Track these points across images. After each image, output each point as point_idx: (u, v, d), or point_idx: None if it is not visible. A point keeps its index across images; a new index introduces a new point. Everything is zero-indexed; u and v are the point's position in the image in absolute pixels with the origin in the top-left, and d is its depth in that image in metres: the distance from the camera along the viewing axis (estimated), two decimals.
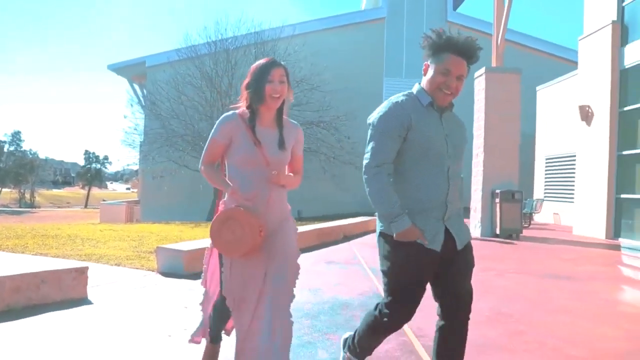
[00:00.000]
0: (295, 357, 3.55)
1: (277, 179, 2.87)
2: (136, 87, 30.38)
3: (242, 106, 2.98)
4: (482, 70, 13.22)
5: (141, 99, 28.75)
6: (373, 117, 2.73)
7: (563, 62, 26.70)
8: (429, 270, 2.68)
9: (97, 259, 7.56)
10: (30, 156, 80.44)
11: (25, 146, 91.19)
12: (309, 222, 15.40)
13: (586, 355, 3.82)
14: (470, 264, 2.79)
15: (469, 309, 2.74)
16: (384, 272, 2.74)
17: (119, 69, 30.45)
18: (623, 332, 4.52)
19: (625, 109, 12.47)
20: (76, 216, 42.07)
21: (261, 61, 2.96)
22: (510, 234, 12.50)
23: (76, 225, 16.06)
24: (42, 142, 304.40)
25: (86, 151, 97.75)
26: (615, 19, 12.81)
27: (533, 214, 18.24)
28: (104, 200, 70.09)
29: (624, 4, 12.77)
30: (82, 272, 5.23)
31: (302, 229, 11.68)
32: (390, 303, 2.73)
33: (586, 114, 13.75)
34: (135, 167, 36.67)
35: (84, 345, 3.80)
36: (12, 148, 78.60)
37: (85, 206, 73.65)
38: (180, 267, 6.65)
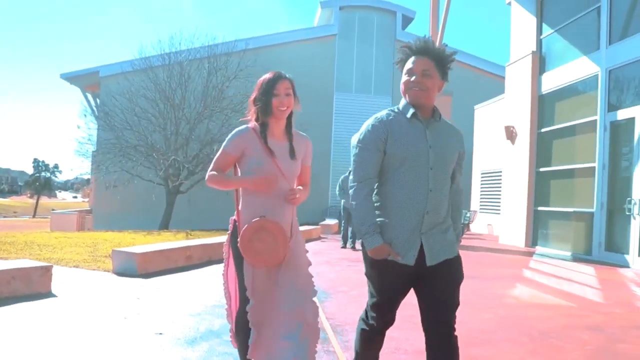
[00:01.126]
0: (190, 351, 4.47)
1: (296, 200, 3.04)
2: (89, 96, 30.60)
3: (251, 120, 3.09)
4: None
5: (94, 108, 29.05)
6: (356, 136, 2.81)
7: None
8: (404, 282, 2.73)
9: (56, 262, 8.29)
10: None
11: None
12: None
13: (460, 332, 4.87)
14: (451, 282, 2.73)
15: (451, 331, 2.71)
16: (366, 276, 2.82)
17: (72, 78, 30.63)
18: (496, 316, 5.60)
19: (542, 130, 13.83)
20: (25, 226, 41.52)
21: (267, 75, 3.05)
22: None
23: (30, 233, 16.57)
24: None
25: (35, 159, 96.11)
26: (534, 49, 14.21)
27: (468, 225, 19.62)
28: (53, 210, 68.91)
29: (541, 37, 14.17)
30: (47, 270, 6.08)
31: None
32: (372, 305, 2.82)
33: (511, 134, 15.11)
34: (87, 177, 36.85)
35: (51, 331, 4.66)
36: None
37: (34, 215, 72.13)
38: (133, 268, 7.50)
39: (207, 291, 6.51)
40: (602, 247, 11.22)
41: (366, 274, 2.80)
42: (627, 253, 10.26)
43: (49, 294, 5.94)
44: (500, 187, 17.84)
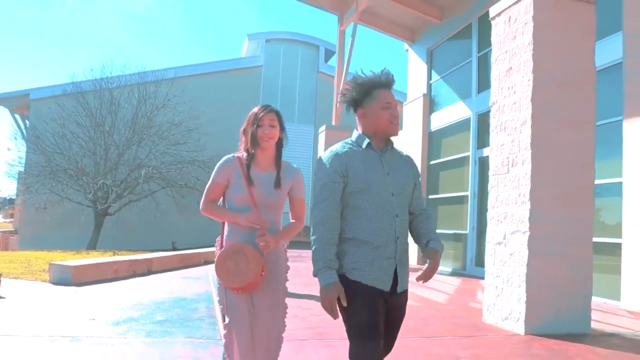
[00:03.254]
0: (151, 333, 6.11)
1: (267, 247, 3.02)
2: (18, 118, 31.12)
3: (242, 150, 3.24)
4: (324, 127, 16.44)
5: (23, 130, 29.68)
6: (316, 172, 2.79)
7: None
8: (380, 309, 2.65)
9: None
10: None
11: None
12: (181, 250, 17.80)
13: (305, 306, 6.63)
14: (402, 315, 2.84)
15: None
16: (346, 312, 2.68)
17: (1, 99, 31.13)
18: None
19: (431, 162, 16.03)
20: None
21: (255, 109, 3.22)
22: None
23: None
24: None
25: None
26: (425, 92, 16.47)
27: None
28: None
29: (431, 82, 16.48)
30: None
31: (168, 253, 14.15)
32: (358, 343, 2.64)
33: None
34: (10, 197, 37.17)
35: (6, 321, 6.16)
36: None
37: None
38: (68, 279, 8.96)
39: (130, 296, 8.06)
40: (473, 262, 13.36)
41: (345, 309, 2.65)
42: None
43: None
44: None
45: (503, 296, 6.52)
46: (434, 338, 5.94)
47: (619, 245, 8.57)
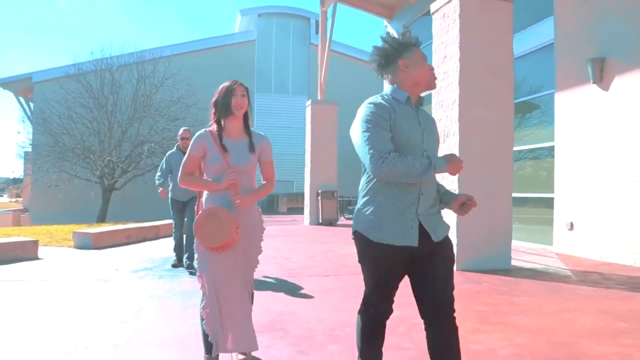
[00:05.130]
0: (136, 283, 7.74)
1: (242, 204, 3.35)
2: (22, 100, 32.53)
3: (212, 122, 3.50)
4: (309, 102, 17.95)
5: (28, 113, 31.16)
6: (357, 122, 2.66)
7: None
8: (400, 268, 2.65)
9: None
10: None
11: None
12: None
13: (297, 260, 8.24)
14: (448, 263, 2.71)
15: (450, 314, 2.63)
16: (361, 266, 2.76)
17: (5, 83, 32.53)
18: (329, 263, 9.01)
19: None
20: None
21: (226, 83, 3.52)
22: (330, 222, 17.22)
23: None
24: None
25: None
26: None
27: None
28: None
29: None
30: (35, 243, 9.27)
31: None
32: (367, 295, 2.77)
33: None
34: (18, 177, 38.85)
35: (43, 275, 7.80)
36: None
37: None
38: (90, 244, 10.57)
39: (143, 254, 9.70)
40: None
41: (360, 262, 2.74)
42: None
43: (37, 258, 9.05)
44: None
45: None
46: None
47: (551, 200, 10.17)
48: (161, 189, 7.81)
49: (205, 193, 3.50)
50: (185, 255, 7.83)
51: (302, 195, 23.99)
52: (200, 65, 30.99)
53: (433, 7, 8.62)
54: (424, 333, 2.67)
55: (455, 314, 2.62)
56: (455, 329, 2.61)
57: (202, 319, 3.40)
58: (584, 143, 9.36)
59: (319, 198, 17.29)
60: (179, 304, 5.53)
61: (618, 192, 8.65)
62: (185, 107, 25.69)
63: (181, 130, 7.95)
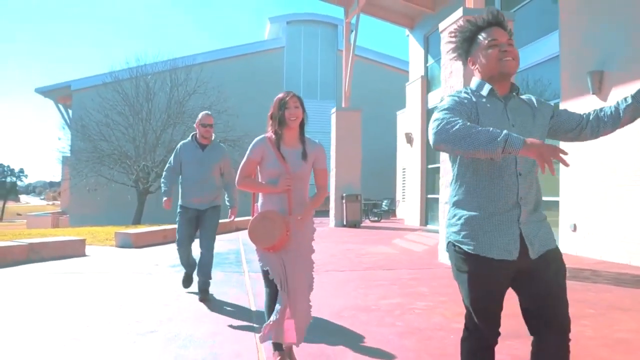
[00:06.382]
0: None
1: (304, 218, 3.58)
2: (62, 108, 34.04)
3: (270, 132, 3.65)
4: (334, 109, 18.83)
5: (67, 119, 32.67)
6: (432, 117, 2.28)
7: None
8: (501, 285, 2.33)
9: None
10: None
11: None
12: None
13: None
14: (559, 277, 2.32)
15: (565, 339, 2.30)
16: (457, 284, 2.44)
17: (46, 91, 34.06)
18: (347, 260, 9.83)
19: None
20: (3, 228, 44.05)
21: (280, 95, 3.64)
22: (354, 224, 18.05)
23: (28, 230, 20.40)
24: None
25: (0, 164, 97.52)
26: (423, 74, 18.67)
27: (390, 211, 24.03)
28: (19, 214, 70.74)
29: (427, 65, 18.66)
30: (83, 242, 10.30)
31: None
32: (467, 317, 2.46)
33: (409, 139, 19.57)
34: (57, 180, 40.51)
35: (92, 269, 8.80)
36: None
37: (1, 220, 73.18)
38: (130, 243, 11.58)
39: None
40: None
41: (455, 278, 2.43)
42: None
43: (84, 255, 10.08)
44: None
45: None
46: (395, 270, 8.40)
47: (557, 203, 10.85)
48: (166, 198, 6.06)
49: (260, 197, 3.67)
50: (200, 280, 5.97)
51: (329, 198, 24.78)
52: (231, 72, 32.16)
53: (441, 26, 9.40)
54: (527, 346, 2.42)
55: (570, 336, 2.31)
56: (568, 355, 2.29)
57: (269, 310, 3.64)
58: (587, 149, 10.02)
59: (344, 201, 18.15)
60: (217, 288, 6.40)
61: (616, 194, 9.31)
62: (217, 113, 26.63)
63: (202, 115, 6.07)
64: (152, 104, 27.30)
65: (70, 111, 32.86)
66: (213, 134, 6.13)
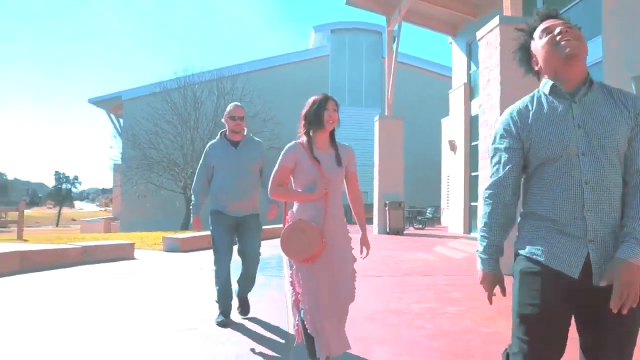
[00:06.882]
0: None
1: (368, 252, 3.71)
2: (113, 117, 35.22)
3: (301, 134, 3.55)
4: (377, 117, 18.98)
5: (119, 128, 33.79)
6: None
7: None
8: (557, 300, 1.96)
9: None
10: (3, 177, 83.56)
11: None
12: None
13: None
14: (627, 319, 1.89)
15: None
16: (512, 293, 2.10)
17: (98, 102, 35.32)
18: (386, 266, 9.98)
19: (473, 143, 18.23)
20: (59, 232, 45.35)
21: (317, 96, 3.54)
22: (397, 231, 18.14)
23: (82, 235, 21.19)
24: (10, 163, 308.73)
25: (57, 172, 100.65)
26: (466, 81, 18.66)
27: (435, 218, 23.99)
28: (73, 220, 72.86)
29: (470, 71, 18.65)
30: (132, 245, 10.77)
31: None
32: (515, 338, 2.07)
33: (453, 146, 19.56)
34: (105, 187, 41.79)
35: (140, 271, 9.19)
36: None
37: (57, 225, 75.73)
38: (177, 247, 12.00)
39: None
40: None
41: (513, 294, 2.10)
42: None
43: (133, 258, 10.54)
44: None
45: None
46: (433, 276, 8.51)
47: None
48: (195, 216, 5.29)
49: (295, 205, 3.54)
50: (239, 288, 5.47)
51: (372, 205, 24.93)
52: (276, 81, 32.67)
53: (478, 34, 9.50)
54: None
55: None
56: None
57: (305, 328, 3.49)
58: None
59: (387, 208, 18.28)
60: (256, 291, 6.66)
61: None
62: (263, 121, 27.17)
63: (231, 107, 5.25)
64: (199, 112, 28.01)
65: (121, 120, 33.96)
66: (245, 128, 5.29)
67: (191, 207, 5.34)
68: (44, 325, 4.99)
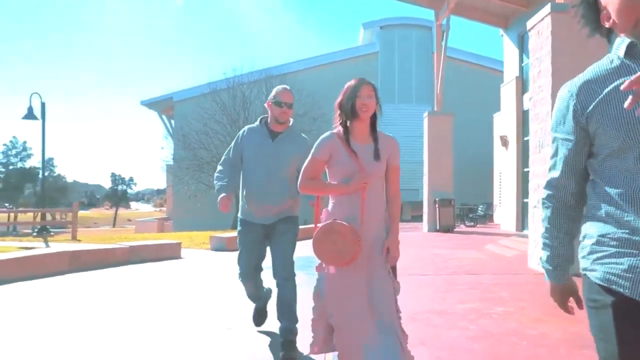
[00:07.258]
0: None
1: (393, 259, 3.13)
2: (164, 119, 35.83)
3: (336, 124, 3.20)
4: (426, 113, 18.65)
5: (170, 129, 34.36)
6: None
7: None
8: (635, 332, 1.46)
9: None
10: (63, 180, 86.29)
11: (56, 171, 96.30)
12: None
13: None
14: None
15: None
16: (591, 329, 1.62)
17: (150, 104, 35.98)
18: (433, 265, 9.73)
19: (525, 139, 17.67)
20: (115, 232, 46.55)
21: (351, 82, 3.15)
22: (447, 229, 17.78)
23: (133, 235, 21.61)
24: (69, 166, 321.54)
25: (113, 173, 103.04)
26: (517, 75, 18.12)
27: (487, 215, 23.46)
28: (129, 220, 74.62)
29: (522, 64, 18.08)
30: (179, 245, 10.87)
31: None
32: None
33: (504, 142, 19.03)
34: (158, 188, 42.66)
35: (184, 270, 9.20)
36: (46, 173, 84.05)
37: (114, 225, 77.73)
38: (224, 246, 12.04)
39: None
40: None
41: (592, 333, 1.60)
42: None
43: (180, 257, 10.61)
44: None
45: (539, 247, 8.61)
46: (480, 275, 8.24)
47: None
48: (223, 195, 4.29)
49: (330, 202, 3.20)
50: (282, 327, 4.30)
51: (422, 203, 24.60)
52: (325, 79, 32.40)
53: (529, 24, 9.14)
54: None
55: None
56: None
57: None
58: None
59: (437, 206, 17.93)
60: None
61: None
62: (312, 120, 27.12)
63: (279, 89, 4.57)
64: (248, 112, 28.14)
65: (172, 121, 34.51)
66: (291, 119, 4.56)
67: (218, 189, 4.36)
68: (81, 324, 5.02)
